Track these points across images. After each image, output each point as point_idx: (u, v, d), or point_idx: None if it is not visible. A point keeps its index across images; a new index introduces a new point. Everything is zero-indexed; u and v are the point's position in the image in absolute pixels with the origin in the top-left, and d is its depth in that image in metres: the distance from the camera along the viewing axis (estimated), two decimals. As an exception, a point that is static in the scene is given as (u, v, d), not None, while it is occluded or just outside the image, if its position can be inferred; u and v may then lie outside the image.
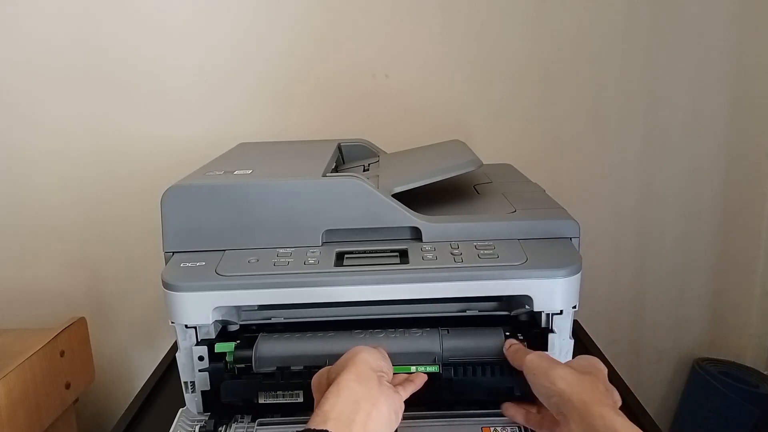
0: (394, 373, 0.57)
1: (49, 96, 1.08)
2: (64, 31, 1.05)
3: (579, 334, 0.87)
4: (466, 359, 0.59)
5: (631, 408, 0.69)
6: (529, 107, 1.14)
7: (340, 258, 0.60)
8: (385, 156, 0.90)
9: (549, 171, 1.05)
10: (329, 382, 0.49)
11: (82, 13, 1.05)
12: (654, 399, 1.35)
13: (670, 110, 1.15)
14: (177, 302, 0.58)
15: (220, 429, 0.60)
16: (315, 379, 0.52)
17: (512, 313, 0.63)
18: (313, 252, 0.61)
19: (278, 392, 0.59)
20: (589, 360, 0.54)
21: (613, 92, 1.14)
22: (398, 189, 0.65)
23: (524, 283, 0.58)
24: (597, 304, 1.24)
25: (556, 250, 0.61)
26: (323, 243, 0.63)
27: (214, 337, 0.62)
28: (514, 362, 0.56)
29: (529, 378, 0.53)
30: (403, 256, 0.60)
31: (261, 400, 0.59)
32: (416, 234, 0.63)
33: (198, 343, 0.60)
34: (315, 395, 0.51)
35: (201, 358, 0.60)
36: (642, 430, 0.44)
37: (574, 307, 0.60)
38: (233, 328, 0.64)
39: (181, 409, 0.63)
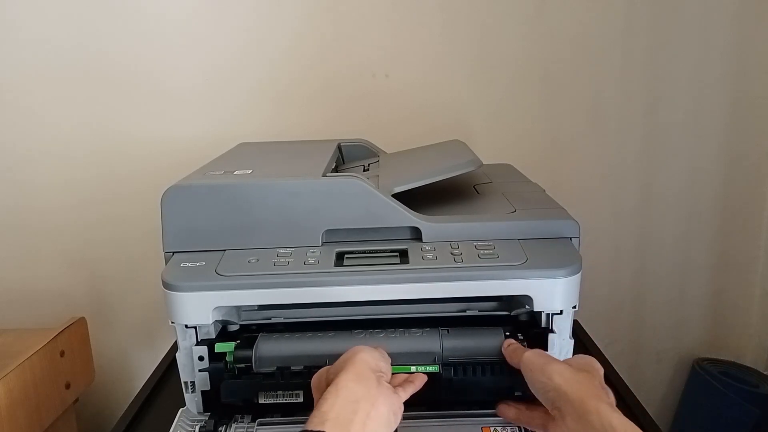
0: (394, 373, 0.57)
1: (50, 96, 1.08)
2: (64, 31, 1.05)
3: (579, 334, 0.87)
4: (466, 359, 0.59)
5: (631, 408, 0.69)
6: (529, 107, 1.14)
7: (340, 258, 0.60)
8: (385, 156, 0.90)
9: (549, 171, 1.05)
10: (328, 383, 0.49)
11: (82, 14, 1.05)
12: (654, 399, 1.35)
13: (670, 110, 1.15)
14: (177, 302, 0.58)
15: (220, 429, 0.60)
16: (314, 379, 0.52)
17: (512, 313, 0.63)
18: (313, 252, 0.61)
19: (278, 392, 0.59)
20: (586, 359, 0.54)
21: (613, 92, 1.14)
22: (398, 189, 0.65)
23: (524, 283, 0.58)
24: (597, 304, 1.25)
25: (556, 250, 0.61)
26: (323, 243, 0.63)
27: (214, 337, 0.62)
28: (512, 361, 0.56)
29: (526, 374, 0.53)
30: (403, 256, 0.60)
31: (261, 400, 0.59)
32: (416, 234, 0.63)
33: (198, 343, 0.60)
34: (315, 395, 0.51)
35: (201, 358, 0.60)
36: (642, 429, 0.44)
37: (574, 307, 0.60)
38: (233, 328, 0.64)
39: (181, 409, 0.63)
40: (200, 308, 0.58)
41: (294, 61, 1.09)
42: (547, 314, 0.60)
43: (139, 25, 1.06)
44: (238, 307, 0.63)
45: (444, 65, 1.11)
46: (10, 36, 1.05)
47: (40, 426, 0.91)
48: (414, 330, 0.61)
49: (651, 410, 0.70)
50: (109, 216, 1.14)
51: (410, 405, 0.54)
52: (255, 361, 0.59)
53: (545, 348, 0.59)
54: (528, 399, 0.57)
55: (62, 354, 0.96)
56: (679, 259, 1.25)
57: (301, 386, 0.58)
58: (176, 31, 1.07)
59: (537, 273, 0.58)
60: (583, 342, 0.87)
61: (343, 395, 0.46)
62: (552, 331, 0.60)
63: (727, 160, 1.18)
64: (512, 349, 0.57)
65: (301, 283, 0.58)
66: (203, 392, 0.62)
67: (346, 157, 0.93)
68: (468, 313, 0.64)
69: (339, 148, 0.90)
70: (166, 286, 0.58)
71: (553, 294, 0.58)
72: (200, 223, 0.62)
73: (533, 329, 0.62)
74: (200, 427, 0.60)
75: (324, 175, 0.65)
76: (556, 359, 0.53)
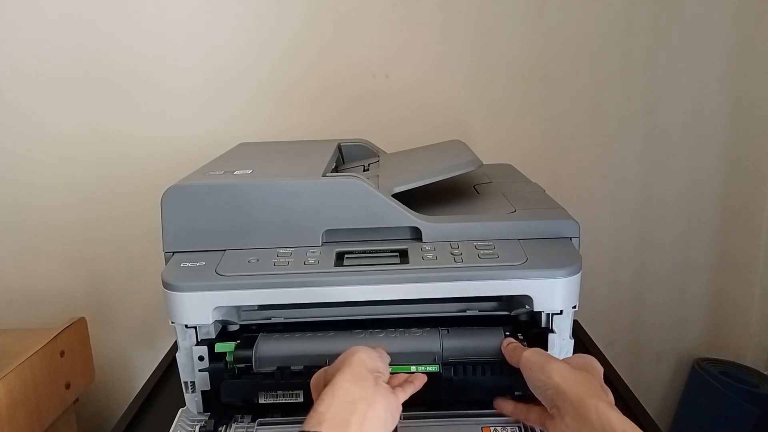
0: (393, 373, 0.57)
1: (50, 96, 1.08)
2: (64, 31, 1.05)
3: (579, 334, 0.87)
4: (466, 359, 0.59)
5: (631, 408, 0.69)
6: (529, 107, 1.14)
7: (340, 258, 0.60)
8: (385, 156, 0.90)
9: (549, 171, 1.05)
10: (326, 383, 0.49)
11: (82, 14, 1.05)
12: (654, 399, 1.35)
13: (670, 110, 1.15)
14: (177, 302, 0.58)
15: (220, 429, 0.60)
16: (313, 380, 0.52)
17: (512, 313, 0.63)
18: (313, 252, 0.61)
19: (278, 392, 0.59)
20: (586, 358, 0.54)
21: (613, 92, 1.14)
22: (398, 189, 0.65)
23: (524, 283, 0.58)
24: (597, 304, 1.25)
25: (556, 250, 0.61)
26: (323, 243, 0.63)
27: (214, 337, 0.62)
28: (512, 359, 0.56)
29: (526, 373, 0.53)
30: (403, 256, 0.60)
31: (261, 400, 0.59)
32: (416, 234, 0.63)
33: (198, 343, 0.60)
34: (313, 396, 0.51)
35: (201, 358, 0.60)
36: (642, 429, 0.44)
37: (574, 307, 0.60)
38: (233, 328, 0.64)
39: (181, 409, 0.63)
40: (200, 308, 0.58)
41: (294, 61, 1.09)
42: (547, 314, 0.60)
43: (139, 25, 1.06)
44: (238, 307, 0.63)
45: (444, 65, 1.11)
46: (10, 36, 1.05)
47: (40, 426, 0.91)
48: (414, 330, 0.61)
49: (651, 410, 0.70)
50: (109, 216, 1.14)
51: (410, 405, 0.54)
52: (255, 361, 0.59)
53: (545, 348, 0.59)
54: (527, 399, 0.57)
55: (62, 354, 0.96)
56: (679, 259, 1.25)
57: (301, 386, 0.58)
58: (176, 31, 1.07)
59: (537, 273, 0.58)
60: (583, 342, 0.87)
61: (339, 396, 0.46)
62: (552, 331, 0.60)
63: (727, 160, 1.18)
64: (511, 348, 0.57)
65: (301, 283, 0.58)
66: (203, 392, 0.62)
67: (346, 157, 0.93)
68: (468, 313, 0.64)
69: (339, 148, 0.90)
70: (166, 286, 0.58)
71: (553, 294, 0.58)
72: (200, 223, 0.62)
73: (533, 329, 0.62)
74: (200, 427, 0.60)
75: (324, 175, 0.65)
76: (555, 358, 0.53)
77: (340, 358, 0.51)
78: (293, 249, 0.62)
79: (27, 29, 1.05)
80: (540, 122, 1.15)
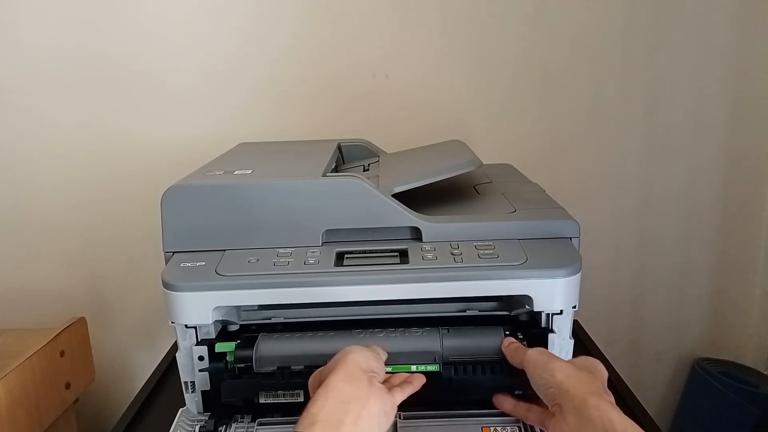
0: (393, 372, 0.57)
1: (50, 96, 1.08)
2: (64, 32, 1.05)
3: (579, 334, 0.87)
4: (467, 359, 0.59)
5: (631, 408, 0.69)
6: (529, 107, 1.14)
7: (340, 258, 0.60)
8: (385, 156, 0.90)
9: (549, 171, 1.05)
10: (320, 383, 0.49)
11: (82, 14, 1.05)
12: (654, 399, 1.35)
13: (670, 110, 1.15)
14: (177, 302, 0.58)
15: (220, 429, 0.60)
16: (310, 380, 0.52)
17: (512, 313, 0.63)
18: (313, 252, 0.61)
19: (278, 392, 0.59)
20: (590, 360, 0.54)
21: (613, 92, 1.14)
22: (398, 189, 0.65)
23: (524, 283, 0.58)
24: (597, 304, 1.25)
25: (556, 250, 0.61)
26: (323, 243, 0.63)
27: (214, 337, 0.62)
28: (513, 359, 0.56)
29: (529, 371, 0.53)
30: (403, 256, 0.60)
31: (261, 400, 0.60)
32: (416, 234, 0.63)
33: (198, 343, 0.60)
34: (311, 395, 0.51)
35: (201, 358, 0.60)
36: (642, 429, 0.44)
37: (574, 307, 0.60)
38: (233, 328, 0.64)
39: (181, 409, 0.63)
40: (200, 308, 0.58)
41: (294, 61, 1.09)
42: (547, 314, 0.60)
43: (139, 25, 1.06)
44: (238, 307, 0.63)
45: (444, 65, 1.11)
46: (10, 36, 1.05)
47: (40, 426, 0.91)
48: (414, 330, 0.61)
49: (651, 410, 0.70)
50: (109, 216, 1.14)
51: (410, 405, 0.54)
52: (255, 361, 0.59)
53: (545, 348, 0.59)
54: (527, 398, 0.57)
55: (62, 354, 0.96)
56: (679, 259, 1.25)
57: (301, 386, 0.58)
58: (176, 31, 1.07)
59: (537, 273, 0.58)
60: (583, 342, 0.87)
61: (332, 396, 0.46)
62: (552, 331, 0.60)
63: (727, 160, 1.18)
64: (513, 348, 0.57)
65: (301, 283, 0.58)
66: (203, 392, 0.62)
67: (346, 157, 0.93)
68: (468, 312, 0.64)
69: (339, 148, 0.90)
70: (166, 286, 0.58)
71: (553, 294, 0.58)
72: (200, 223, 0.62)
73: (533, 329, 0.62)
74: (200, 427, 0.60)
75: (324, 175, 0.65)
76: (559, 357, 0.54)
77: (334, 358, 0.52)
78: (293, 249, 0.62)
79: (27, 29, 1.05)
80: (540, 122, 1.15)
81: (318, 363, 0.56)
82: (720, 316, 1.29)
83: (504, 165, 0.93)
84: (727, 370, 1.24)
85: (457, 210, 0.68)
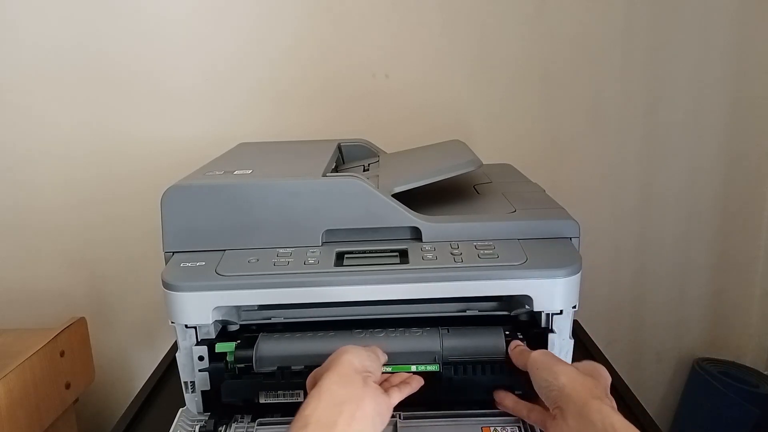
0: (393, 372, 0.57)
1: (50, 96, 1.08)
2: (64, 32, 1.05)
3: (579, 334, 0.87)
4: (467, 358, 0.59)
5: (631, 408, 0.69)
6: (529, 107, 1.14)
7: (340, 258, 0.60)
8: (385, 156, 0.90)
9: (549, 171, 1.05)
10: (314, 384, 0.49)
11: (82, 14, 1.05)
12: (654, 399, 1.35)
13: (670, 110, 1.15)
14: (177, 302, 0.58)
15: (220, 429, 0.60)
16: (308, 380, 0.52)
17: (512, 313, 0.63)
18: (313, 252, 0.61)
19: (278, 392, 0.59)
20: (594, 365, 0.54)
21: (613, 92, 1.14)
22: (398, 189, 0.65)
23: (524, 283, 0.58)
24: (597, 304, 1.25)
25: (556, 250, 0.61)
26: (323, 243, 0.63)
27: (214, 337, 0.62)
28: (518, 361, 0.56)
29: (532, 373, 0.53)
30: (403, 256, 0.60)
31: (261, 400, 0.60)
32: (416, 234, 0.63)
33: (198, 343, 0.60)
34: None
35: (201, 358, 0.60)
36: (642, 430, 0.44)
37: (574, 307, 0.60)
38: (233, 328, 0.64)
39: (181, 409, 0.63)
40: (200, 308, 0.58)
41: (294, 61, 1.09)
42: (547, 314, 0.60)
43: (139, 25, 1.06)
44: (238, 307, 0.63)
45: (444, 65, 1.11)
46: (10, 36, 1.05)
47: (40, 426, 0.91)
48: (414, 329, 0.61)
49: (651, 410, 0.70)
50: (109, 216, 1.14)
51: (410, 405, 0.54)
52: (255, 361, 0.59)
53: (545, 348, 0.59)
54: (527, 398, 0.57)
55: (62, 354, 0.96)
56: (679, 259, 1.25)
57: (301, 386, 0.58)
58: (177, 32, 1.07)
59: (537, 273, 0.58)
60: (583, 342, 0.87)
61: (325, 398, 0.46)
62: (552, 331, 0.60)
63: (727, 160, 1.18)
64: (518, 350, 0.57)
65: (301, 283, 0.58)
66: (203, 392, 0.62)
67: (346, 157, 0.93)
68: (468, 312, 0.64)
69: (339, 148, 0.90)
70: (166, 286, 0.58)
71: (553, 294, 0.58)
72: (200, 223, 0.62)
73: (533, 329, 0.62)
74: (200, 427, 0.60)
75: (324, 175, 0.65)
76: (563, 361, 0.54)
77: (329, 358, 0.51)
78: (293, 249, 0.62)
79: (27, 29, 1.05)
80: (540, 122, 1.15)
81: (318, 363, 0.56)
82: (720, 316, 1.29)
83: (504, 165, 0.93)
84: (727, 370, 1.24)
85: (457, 210, 0.68)
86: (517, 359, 0.57)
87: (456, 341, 0.59)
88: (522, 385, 0.57)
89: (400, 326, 0.62)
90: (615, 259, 1.24)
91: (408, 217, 0.63)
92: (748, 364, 1.27)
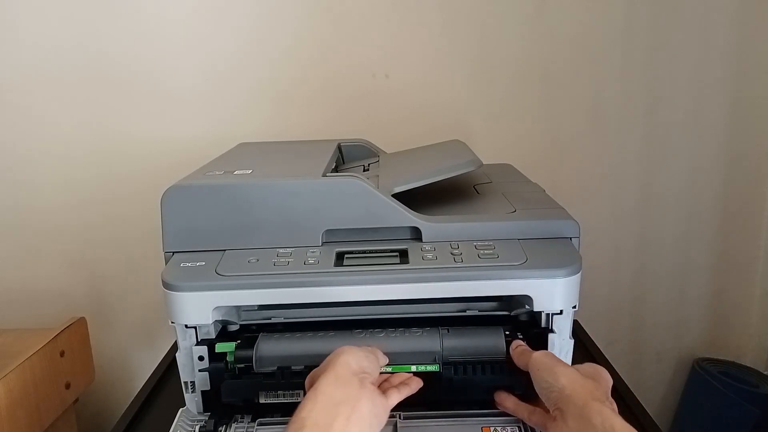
0: (392, 373, 0.57)
1: (50, 96, 1.08)
2: (64, 32, 1.05)
3: (579, 334, 0.87)
4: (467, 359, 0.59)
5: (631, 408, 0.69)
6: (529, 107, 1.14)
7: (340, 258, 0.60)
8: (385, 156, 0.90)
9: (549, 171, 1.05)
10: (311, 385, 0.49)
11: (82, 14, 1.05)
12: (654, 399, 1.35)
13: (670, 110, 1.15)
14: (177, 302, 0.58)
15: (220, 429, 0.60)
16: (306, 381, 0.52)
17: (512, 313, 0.63)
18: (313, 252, 0.61)
19: (279, 392, 0.59)
20: (596, 368, 0.54)
21: (613, 92, 1.14)
22: (398, 189, 0.65)
23: (524, 283, 0.58)
24: (597, 304, 1.25)
25: (556, 250, 0.61)
26: (323, 243, 0.63)
27: (214, 337, 0.62)
28: (519, 362, 0.56)
29: (534, 373, 0.53)
30: (403, 256, 0.60)
31: (261, 400, 0.60)
32: (416, 234, 0.63)
33: (198, 343, 0.60)
34: None
35: (201, 358, 0.60)
36: (642, 430, 0.44)
37: (574, 307, 0.60)
38: (233, 328, 0.64)
39: (181, 409, 0.63)
40: (200, 308, 0.58)
41: (294, 61, 1.09)
42: (547, 314, 0.60)
43: (139, 25, 1.06)
44: (238, 307, 0.63)
45: (444, 65, 1.11)
46: (10, 36, 1.05)
47: (40, 426, 0.91)
48: (414, 330, 0.61)
49: (651, 410, 0.69)
50: (109, 216, 1.14)
51: (410, 405, 0.54)
52: (256, 361, 0.59)
53: (545, 348, 0.59)
54: (527, 398, 0.57)
55: (62, 354, 0.96)
56: (679, 259, 1.25)
57: (301, 386, 0.58)
58: (177, 32, 1.07)
59: (537, 273, 0.58)
60: (583, 342, 0.87)
61: (321, 400, 0.46)
62: (552, 331, 0.60)
63: (727, 160, 1.18)
64: (520, 351, 0.57)
65: (301, 283, 0.58)
66: (203, 392, 0.62)
67: (346, 157, 0.93)
68: (468, 312, 0.64)
69: (339, 148, 0.90)
70: (166, 286, 0.58)
71: (553, 294, 0.58)
72: (200, 223, 0.62)
73: (533, 329, 0.62)
74: (200, 427, 0.60)
75: (324, 175, 0.65)
76: (565, 362, 0.54)
77: (326, 359, 0.51)
78: (293, 249, 0.62)
79: (27, 29, 1.05)
80: (540, 122, 1.15)
81: (318, 363, 0.56)
82: (720, 316, 1.29)
83: (504, 165, 0.93)
84: (727, 370, 1.24)
85: (457, 210, 0.68)
86: (518, 359, 0.57)
87: (456, 341, 0.60)
88: (522, 385, 0.57)
89: (400, 326, 0.62)
90: (615, 259, 1.24)
91: (408, 217, 0.63)
92: (748, 364, 1.27)
